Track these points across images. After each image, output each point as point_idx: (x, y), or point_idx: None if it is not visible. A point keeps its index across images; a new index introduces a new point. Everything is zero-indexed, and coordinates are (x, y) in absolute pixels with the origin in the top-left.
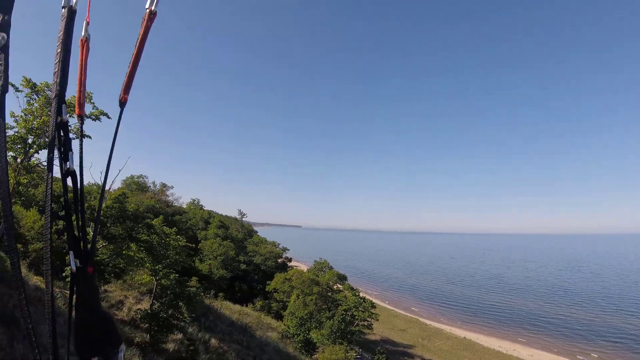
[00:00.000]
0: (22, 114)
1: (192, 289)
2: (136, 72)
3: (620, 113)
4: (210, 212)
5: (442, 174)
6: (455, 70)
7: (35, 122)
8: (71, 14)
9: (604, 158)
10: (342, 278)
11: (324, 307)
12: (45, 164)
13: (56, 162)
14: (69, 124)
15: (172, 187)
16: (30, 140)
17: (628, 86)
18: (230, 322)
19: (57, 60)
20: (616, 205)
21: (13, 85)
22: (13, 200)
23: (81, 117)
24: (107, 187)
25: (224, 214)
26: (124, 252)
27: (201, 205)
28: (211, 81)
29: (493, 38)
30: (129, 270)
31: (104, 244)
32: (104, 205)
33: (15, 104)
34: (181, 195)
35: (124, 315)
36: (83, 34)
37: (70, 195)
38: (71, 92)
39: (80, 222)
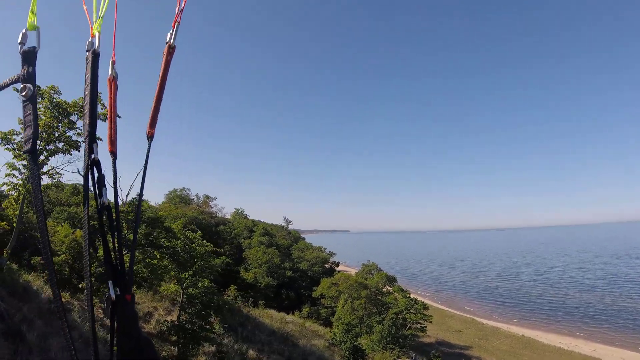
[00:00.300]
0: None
1: (226, 297)
2: (161, 106)
3: None
4: (254, 221)
5: (483, 168)
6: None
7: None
8: (95, 56)
9: None
10: (391, 280)
11: (374, 311)
12: (59, 171)
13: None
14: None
15: (215, 199)
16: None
17: None
18: (270, 332)
19: (85, 102)
20: None
21: (17, 90)
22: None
23: (113, 154)
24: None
25: (269, 223)
26: (147, 260)
27: (245, 214)
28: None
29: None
30: (154, 280)
31: (125, 252)
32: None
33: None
34: (224, 206)
35: (151, 328)
36: (110, 72)
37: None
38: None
39: (117, 253)
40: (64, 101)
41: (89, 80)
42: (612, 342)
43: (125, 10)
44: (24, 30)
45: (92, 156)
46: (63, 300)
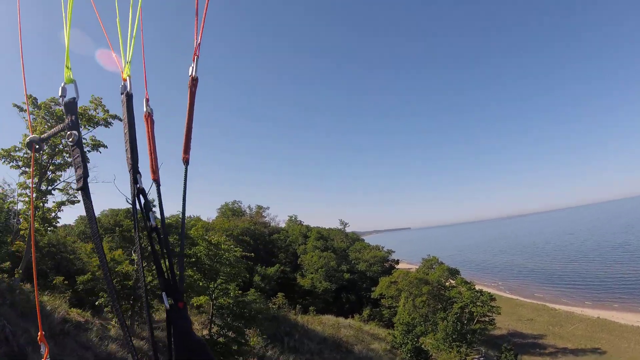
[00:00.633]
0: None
1: (256, 304)
2: (192, 133)
3: None
4: (308, 227)
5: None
6: None
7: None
8: (129, 98)
9: None
10: (453, 273)
11: (438, 307)
12: (71, 184)
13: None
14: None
15: (267, 208)
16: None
17: None
18: (321, 339)
19: (126, 140)
20: None
21: (17, 106)
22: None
23: (156, 181)
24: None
25: (326, 227)
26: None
27: (300, 221)
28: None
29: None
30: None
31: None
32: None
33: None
34: (277, 214)
35: None
36: (145, 109)
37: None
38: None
39: (169, 268)
40: (62, 110)
41: (126, 120)
42: None
43: (152, 51)
44: (62, 85)
45: (137, 185)
46: (82, 319)
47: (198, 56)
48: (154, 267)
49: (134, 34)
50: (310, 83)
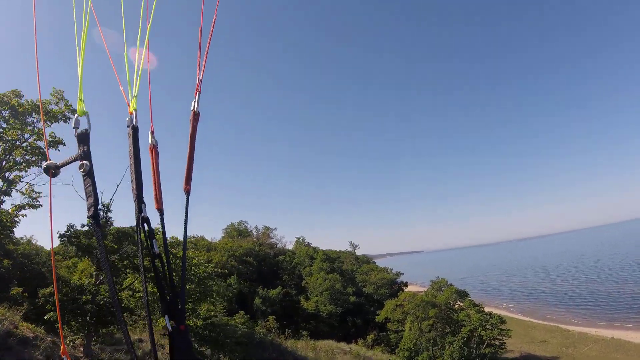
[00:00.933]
0: None
1: (239, 327)
2: (193, 165)
3: None
4: (315, 248)
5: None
6: None
7: None
8: (135, 131)
9: None
10: (462, 295)
11: (447, 330)
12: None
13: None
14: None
15: (275, 229)
16: None
17: None
18: None
19: (131, 171)
20: None
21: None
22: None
23: (160, 210)
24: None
25: (337, 250)
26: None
27: (308, 242)
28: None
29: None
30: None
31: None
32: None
33: None
34: (284, 235)
35: None
36: (150, 141)
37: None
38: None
39: (170, 292)
40: (17, 101)
41: (131, 152)
42: None
43: (158, 86)
44: (75, 117)
45: (142, 214)
46: (32, 334)
47: (200, 92)
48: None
49: (140, 70)
50: (332, 102)
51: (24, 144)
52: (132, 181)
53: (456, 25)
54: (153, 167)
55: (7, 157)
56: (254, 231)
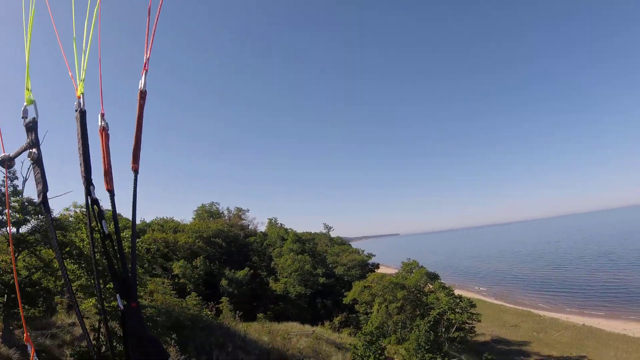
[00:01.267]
0: None
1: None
2: (141, 144)
3: None
4: (287, 230)
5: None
6: None
7: None
8: (82, 114)
9: None
10: (432, 277)
11: (416, 313)
12: None
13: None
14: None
15: (247, 211)
16: None
17: None
18: (263, 351)
19: (80, 154)
20: None
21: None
22: None
23: (110, 191)
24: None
25: (312, 232)
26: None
27: (281, 224)
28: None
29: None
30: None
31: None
32: None
33: None
34: (255, 216)
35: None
36: (100, 124)
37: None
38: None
39: (122, 271)
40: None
41: (79, 136)
42: None
43: (107, 68)
44: (23, 106)
45: (91, 196)
46: None
47: (147, 70)
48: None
49: (87, 52)
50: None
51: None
52: (80, 164)
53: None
54: (103, 150)
55: None
56: (226, 212)
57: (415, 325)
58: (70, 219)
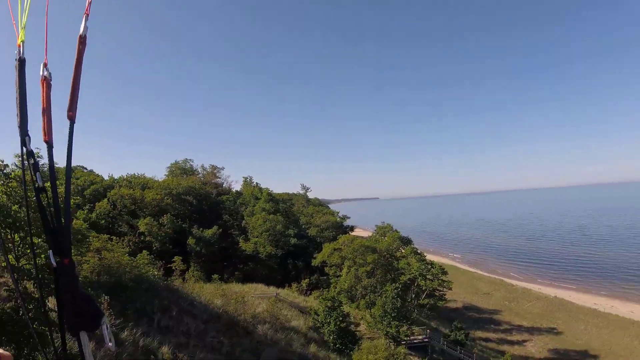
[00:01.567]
0: None
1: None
2: (79, 91)
3: None
4: (261, 188)
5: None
6: None
7: None
8: (21, 63)
9: None
10: (405, 242)
11: (388, 278)
12: None
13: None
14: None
15: (222, 169)
16: None
17: None
18: (212, 316)
19: (17, 104)
20: None
21: None
22: None
23: (48, 143)
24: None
25: (289, 192)
26: None
27: (256, 182)
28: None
29: None
30: None
31: None
32: None
33: None
34: (229, 174)
35: None
36: (42, 74)
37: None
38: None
39: (55, 225)
40: None
41: (17, 85)
42: None
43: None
44: None
45: (26, 148)
46: None
47: (88, 15)
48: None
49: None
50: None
51: None
52: (17, 115)
53: None
54: (43, 99)
55: None
56: (200, 170)
57: (384, 291)
58: None
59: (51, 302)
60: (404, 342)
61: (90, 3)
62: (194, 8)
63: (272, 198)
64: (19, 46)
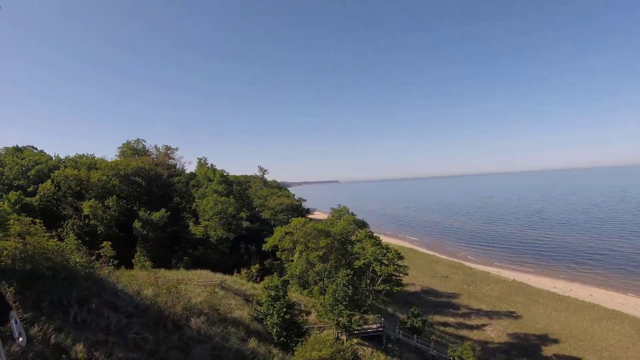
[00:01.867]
0: None
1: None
2: None
3: None
4: (214, 170)
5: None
6: None
7: None
8: None
9: None
10: (361, 225)
11: (342, 262)
12: None
13: None
14: None
15: (176, 149)
16: None
17: None
18: (137, 308)
19: None
20: None
21: None
22: None
23: None
24: None
25: (247, 174)
26: None
27: (210, 164)
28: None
29: None
30: None
31: None
32: None
33: None
34: (182, 155)
35: None
36: None
37: None
38: None
39: None
40: None
41: None
42: (606, 286)
43: None
44: None
45: None
46: None
47: None
48: None
49: None
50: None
51: None
52: None
53: None
54: None
55: None
56: (153, 150)
57: (335, 278)
58: None
59: None
60: (357, 332)
61: None
62: None
63: (225, 180)
64: None
